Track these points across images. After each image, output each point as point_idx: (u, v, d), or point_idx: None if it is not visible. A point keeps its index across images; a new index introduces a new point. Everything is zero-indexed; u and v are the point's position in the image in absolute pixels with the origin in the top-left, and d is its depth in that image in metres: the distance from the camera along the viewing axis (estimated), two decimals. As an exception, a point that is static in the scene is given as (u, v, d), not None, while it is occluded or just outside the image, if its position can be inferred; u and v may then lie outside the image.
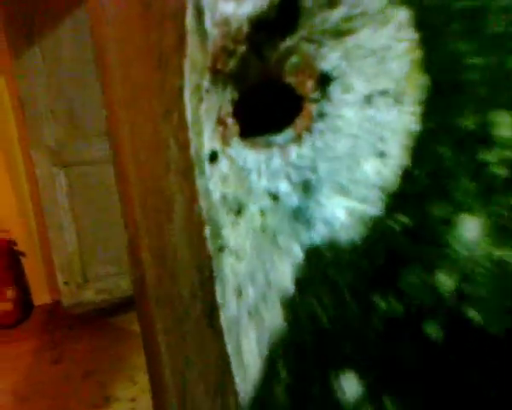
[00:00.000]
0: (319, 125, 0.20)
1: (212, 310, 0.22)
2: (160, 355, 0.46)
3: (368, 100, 0.19)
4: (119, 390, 3.19)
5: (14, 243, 3.76)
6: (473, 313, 0.21)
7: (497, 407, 0.21)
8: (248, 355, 0.20)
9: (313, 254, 0.19)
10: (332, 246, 0.19)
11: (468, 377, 0.22)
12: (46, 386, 3.26)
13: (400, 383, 0.21)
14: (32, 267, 3.90)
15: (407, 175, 0.20)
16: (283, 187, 0.19)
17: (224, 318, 0.21)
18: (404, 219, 0.20)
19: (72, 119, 3.38)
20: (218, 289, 0.21)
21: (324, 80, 0.19)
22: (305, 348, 0.20)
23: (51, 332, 3.82)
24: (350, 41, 0.18)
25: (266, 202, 0.19)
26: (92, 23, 0.68)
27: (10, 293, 3.67)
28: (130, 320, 3.82)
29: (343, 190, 0.19)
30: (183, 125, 0.23)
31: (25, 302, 3.87)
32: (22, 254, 3.81)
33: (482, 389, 0.21)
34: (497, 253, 0.20)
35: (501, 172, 0.19)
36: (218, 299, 0.21)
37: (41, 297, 4.01)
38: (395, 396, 0.21)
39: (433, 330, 0.21)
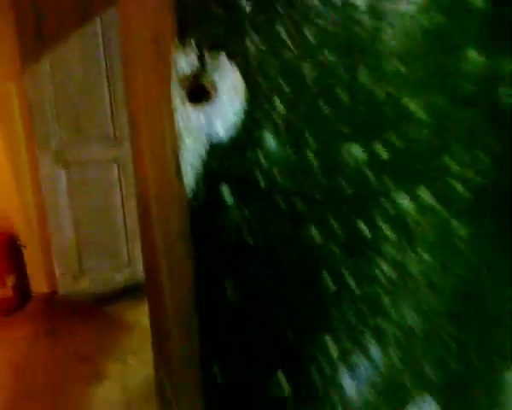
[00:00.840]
0: (218, 100, 0.55)
1: (179, 168, 0.55)
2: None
3: (237, 94, 0.54)
4: (110, 370, 3.38)
5: (17, 235, 3.96)
6: (280, 178, 0.56)
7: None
8: (188, 172, 0.54)
9: (213, 145, 0.54)
10: (219, 142, 0.54)
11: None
12: (41, 366, 3.40)
13: (254, 199, 0.56)
14: (32, 258, 4.08)
15: (243, 121, 0.55)
16: (201, 119, 0.54)
17: (183, 164, 0.55)
18: (243, 136, 0.55)
19: (76, 123, 3.67)
20: (180, 156, 0.55)
21: (217, 88, 0.54)
22: (211, 168, 0.55)
23: (47, 319, 4.00)
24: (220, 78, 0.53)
25: (196, 123, 0.54)
26: (124, 55, 1.06)
27: (11, 281, 3.86)
28: (123, 310, 4.05)
29: (223, 123, 0.54)
30: (172, 107, 0.58)
31: (23, 290, 4.05)
32: (23, 245, 4.00)
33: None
34: (290, 154, 0.56)
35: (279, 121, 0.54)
36: (181, 160, 0.54)
37: (39, 286, 4.17)
38: (250, 207, 0.56)
39: (261, 178, 0.56)
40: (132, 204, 3.79)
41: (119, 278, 4.17)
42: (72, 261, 4.02)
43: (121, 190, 3.95)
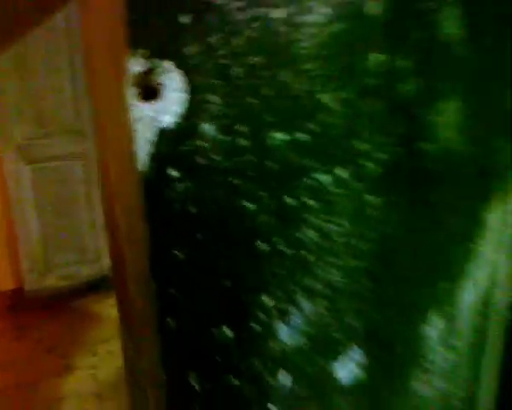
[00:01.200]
0: (165, 96, 0.67)
1: (134, 151, 0.67)
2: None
3: (179, 92, 0.66)
4: (80, 361, 3.44)
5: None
6: (217, 159, 0.68)
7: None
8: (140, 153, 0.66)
9: (161, 132, 0.66)
10: (166, 129, 0.66)
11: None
12: (10, 360, 3.43)
13: (197, 176, 0.68)
14: (-3, 256, 4.09)
15: (186, 113, 0.67)
16: (151, 112, 0.65)
17: (136, 148, 0.67)
18: (186, 125, 0.67)
19: (39, 119, 3.69)
20: (134, 141, 0.67)
21: (163, 87, 0.66)
22: (160, 150, 0.67)
23: (15, 315, 4.02)
24: (166, 79, 0.65)
25: (147, 116, 0.66)
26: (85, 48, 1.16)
27: (-24, 278, 3.85)
28: (92, 303, 4.11)
29: (169, 114, 0.66)
30: (126, 102, 0.69)
31: (-11, 288, 4.05)
32: (-12, 243, 3.99)
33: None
34: (226, 139, 0.69)
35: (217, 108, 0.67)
36: (134, 145, 0.66)
37: (5, 283, 4.16)
38: (193, 182, 0.69)
39: (202, 158, 0.68)
40: (98, 198, 3.85)
41: (86, 273, 4.21)
42: (39, 257, 4.02)
43: (87, 184, 3.99)
